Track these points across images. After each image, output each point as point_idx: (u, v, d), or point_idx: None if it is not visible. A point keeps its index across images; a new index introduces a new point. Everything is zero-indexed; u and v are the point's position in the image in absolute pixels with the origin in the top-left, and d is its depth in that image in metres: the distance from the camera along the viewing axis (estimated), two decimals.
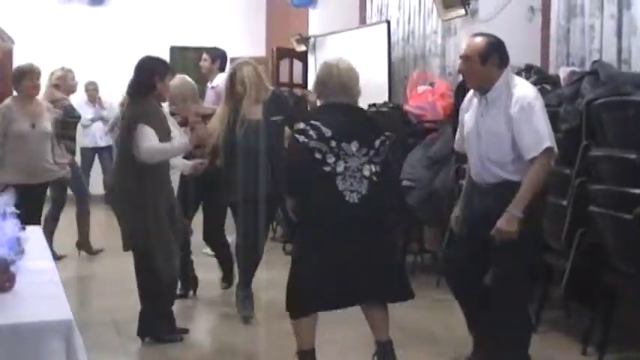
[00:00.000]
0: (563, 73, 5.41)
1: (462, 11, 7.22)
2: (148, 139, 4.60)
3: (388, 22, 8.53)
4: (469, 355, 4.39)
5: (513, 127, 3.92)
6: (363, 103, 7.32)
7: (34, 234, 3.82)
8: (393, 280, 4.04)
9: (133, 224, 4.66)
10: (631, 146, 4.10)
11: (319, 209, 3.95)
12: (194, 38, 11.94)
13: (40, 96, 6.35)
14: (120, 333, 5.00)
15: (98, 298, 6.30)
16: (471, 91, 4.25)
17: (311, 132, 3.89)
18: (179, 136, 5.04)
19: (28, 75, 5.87)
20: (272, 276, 5.85)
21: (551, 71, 5.91)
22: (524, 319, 4.15)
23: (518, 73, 5.67)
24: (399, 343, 4.90)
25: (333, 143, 3.88)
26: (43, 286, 2.83)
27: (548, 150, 3.91)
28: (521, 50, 6.22)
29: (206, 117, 5.72)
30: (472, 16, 7.13)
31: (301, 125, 3.98)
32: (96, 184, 10.21)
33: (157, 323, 4.75)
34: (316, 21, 10.32)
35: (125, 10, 12.06)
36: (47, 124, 6.03)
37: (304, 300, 3.95)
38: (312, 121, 3.95)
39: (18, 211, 3.60)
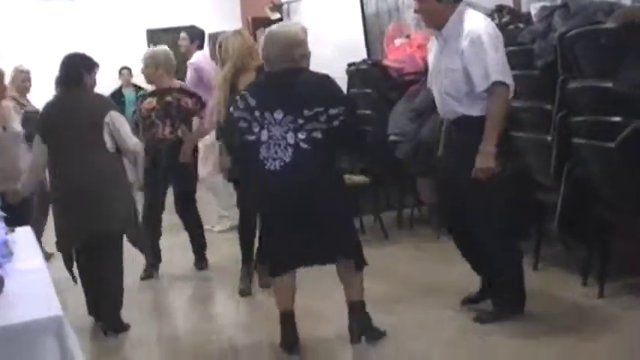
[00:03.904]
0: (534, 9, 5.37)
1: None
2: (129, 129, 4.78)
3: None
4: (473, 293, 4.51)
5: (464, 60, 4.05)
6: (341, 62, 7.41)
7: (24, 235, 3.84)
8: (335, 238, 4.07)
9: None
10: (606, 75, 4.08)
11: (247, 178, 4.22)
12: (170, 19, 11.89)
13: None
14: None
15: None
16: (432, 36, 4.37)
17: (239, 102, 4.04)
18: None
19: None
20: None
21: (523, 9, 5.86)
22: (509, 252, 4.26)
23: (491, 15, 5.64)
24: (403, 297, 4.96)
25: (257, 113, 3.96)
26: (32, 286, 2.85)
27: (498, 84, 4.00)
28: None
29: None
30: None
31: (237, 97, 4.16)
32: None
33: None
34: None
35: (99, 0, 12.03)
36: (17, 125, 5.69)
37: (272, 263, 4.14)
38: (243, 92, 4.12)
39: (5, 215, 3.63)
